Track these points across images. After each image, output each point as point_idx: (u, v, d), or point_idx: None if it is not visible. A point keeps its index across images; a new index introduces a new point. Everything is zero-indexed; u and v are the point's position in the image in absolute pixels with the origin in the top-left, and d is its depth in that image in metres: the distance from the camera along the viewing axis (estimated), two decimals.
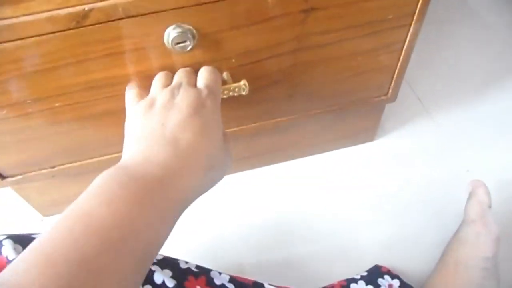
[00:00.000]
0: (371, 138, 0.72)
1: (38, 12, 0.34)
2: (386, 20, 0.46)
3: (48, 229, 0.27)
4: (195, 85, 0.40)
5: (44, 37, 0.36)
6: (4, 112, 0.42)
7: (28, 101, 0.41)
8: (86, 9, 0.35)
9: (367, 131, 0.70)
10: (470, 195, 0.56)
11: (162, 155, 0.32)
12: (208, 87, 0.39)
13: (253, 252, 0.61)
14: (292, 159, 0.71)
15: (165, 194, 0.31)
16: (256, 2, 0.39)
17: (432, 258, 0.56)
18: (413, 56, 0.52)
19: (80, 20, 0.35)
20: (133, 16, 0.36)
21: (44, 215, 0.66)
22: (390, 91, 0.58)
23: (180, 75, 0.41)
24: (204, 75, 0.40)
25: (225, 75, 0.44)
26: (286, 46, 0.45)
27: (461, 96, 0.78)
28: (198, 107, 0.36)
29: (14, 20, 0.34)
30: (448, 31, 0.89)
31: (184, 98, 0.36)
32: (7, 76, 0.38)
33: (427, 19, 0.48)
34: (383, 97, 0.59)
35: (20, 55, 0.37)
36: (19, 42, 0.35)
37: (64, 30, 0.36)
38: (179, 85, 0.38)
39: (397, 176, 0.68)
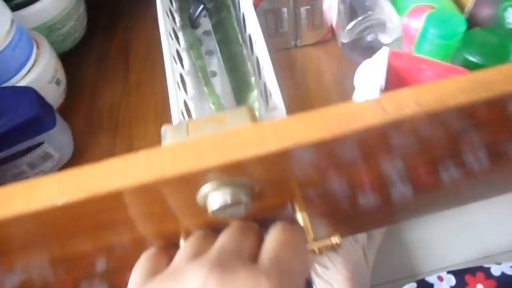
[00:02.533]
0: None
1: None
2: None
3: None
4: (251, 256, 0.23)
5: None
6: None
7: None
8: None
9: None
10: None
11: None
12: (273, 264, 0.22)
13: None
14: None
15: None
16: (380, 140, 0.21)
17: None
18: None
19: None
20: None
21: None
22: None
23: (226, 239, 0.24)
24: (272, 243, 0.23)
25: (299, 217, 0.27)
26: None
27: None
28: None
29: None
30: None
31: None
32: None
33: None
34: None
35: None
36: None
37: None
38: (216, 262, 0.21)
39: None
